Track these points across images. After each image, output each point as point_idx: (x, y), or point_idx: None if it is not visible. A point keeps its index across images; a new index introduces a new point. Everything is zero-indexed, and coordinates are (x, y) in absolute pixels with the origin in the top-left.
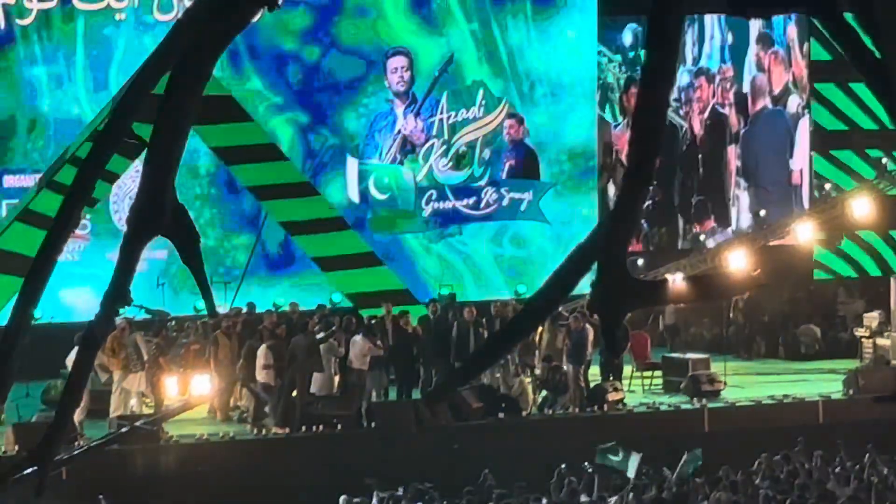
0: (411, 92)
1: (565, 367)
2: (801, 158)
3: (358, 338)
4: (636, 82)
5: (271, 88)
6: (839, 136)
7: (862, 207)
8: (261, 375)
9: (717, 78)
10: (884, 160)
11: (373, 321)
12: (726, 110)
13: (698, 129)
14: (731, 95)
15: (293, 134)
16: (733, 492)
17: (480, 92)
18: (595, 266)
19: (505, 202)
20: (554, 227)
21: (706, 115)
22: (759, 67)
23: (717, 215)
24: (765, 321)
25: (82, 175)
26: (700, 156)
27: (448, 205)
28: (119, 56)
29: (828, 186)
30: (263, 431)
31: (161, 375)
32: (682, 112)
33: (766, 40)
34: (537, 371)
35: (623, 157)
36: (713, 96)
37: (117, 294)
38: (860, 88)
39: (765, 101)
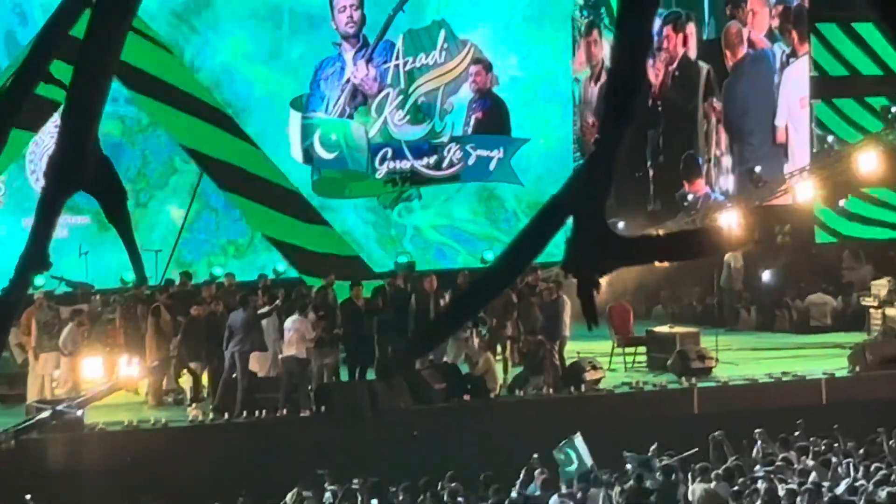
0: (362, 34)
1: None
2: (785, 114)
3: (297, 318)
4: (597, 27)
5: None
6: (841, 81)
7: (868, 162)
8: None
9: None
10: (894, 109)
11: (314, 294)
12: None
13: (667, 81)
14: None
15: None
16: (728, 481)
17: (442, 33)
18: (570, 221)
19: (471, 160)
20: (528, 188)
21: (675, 65)
22: (734, 15)
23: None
24: (760, 289)
25: None
26: (670, 111)
27: (405, 164)
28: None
29: (830, 139)
30: (201, 417)
31: (83, 355)
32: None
33: None
34: (515, 345)
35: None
36: (683, 45)
37: (34, 258)
38: (864, 28)
39: (744, 50)
